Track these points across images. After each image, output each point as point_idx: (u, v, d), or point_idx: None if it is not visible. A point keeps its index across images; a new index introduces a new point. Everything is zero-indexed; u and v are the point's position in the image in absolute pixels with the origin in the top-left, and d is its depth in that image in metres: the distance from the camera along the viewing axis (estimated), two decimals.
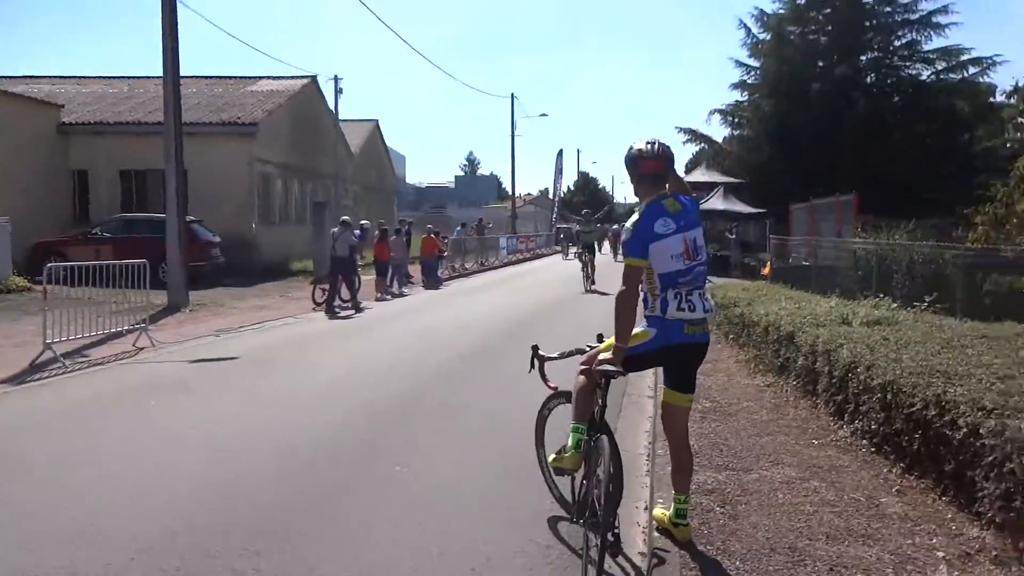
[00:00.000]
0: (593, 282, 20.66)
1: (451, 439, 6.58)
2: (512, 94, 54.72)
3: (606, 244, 41.49)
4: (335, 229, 16.88)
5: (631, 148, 4.30)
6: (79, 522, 4.57)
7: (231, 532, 4.46)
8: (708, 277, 4.55)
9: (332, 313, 15.68)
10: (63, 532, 4.43)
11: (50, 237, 21.56)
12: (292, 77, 32.09)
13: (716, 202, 31.71)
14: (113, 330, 11.68)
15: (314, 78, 32.90)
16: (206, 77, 31.78)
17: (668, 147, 4.27)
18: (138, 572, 3.95)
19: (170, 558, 4.11)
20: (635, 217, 4.25)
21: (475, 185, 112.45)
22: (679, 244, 4.16)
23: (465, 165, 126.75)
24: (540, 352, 4.73)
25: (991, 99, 33.30)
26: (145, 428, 6.72)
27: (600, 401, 4.16)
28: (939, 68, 34.38)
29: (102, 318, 11.52)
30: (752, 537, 4.36)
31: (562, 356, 4.66)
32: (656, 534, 4.46)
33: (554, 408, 4.89)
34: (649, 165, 4.24)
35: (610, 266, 24.95)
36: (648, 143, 4.25)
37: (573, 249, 33.57)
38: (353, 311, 16.16)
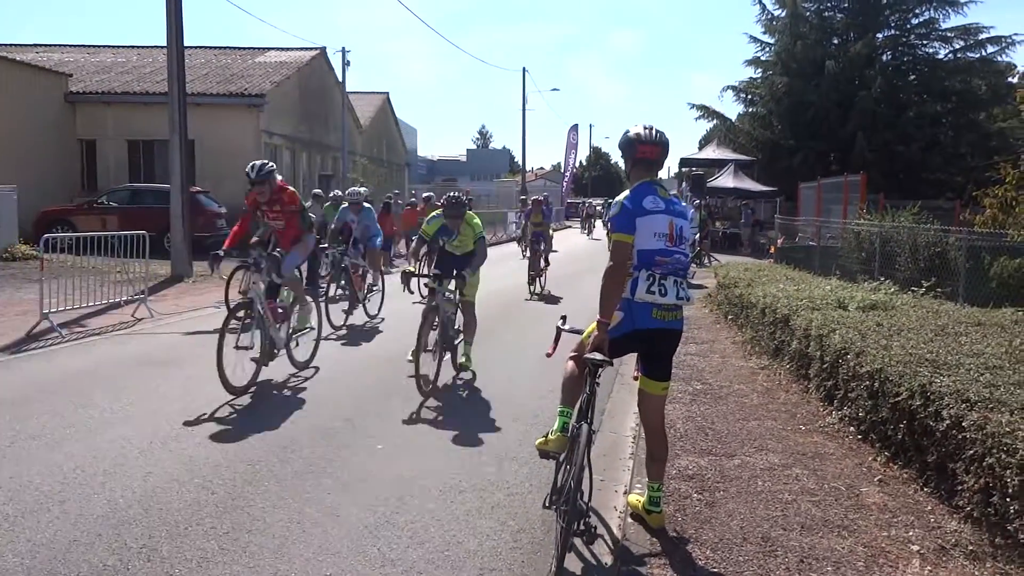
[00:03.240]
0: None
1: (435, 415, 6.56)
2: (524, 68, 54.31)
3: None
4: (307, 203, 16.32)
5: (627, 132, 4.33)
6: (50, 498, 4.56)
7: (203, 511, 4.43)
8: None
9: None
10: (31, 507, 4.41)
11: (57, 206, 21.62)
12: (301, 48, 31.93)
13: (727, 179, 31.43)
14: (113, 300, 11.70)
15: (323, 50, 32.69)
16: (214, 47, 31.67)
17: (664, 134, 4.29)
18: (103, 548, 3.92)
19: (138, 535, 4.09)
20: (625, 193, 4.25)
21: (487, 159, 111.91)
22: (664, 224, 4.13)
23: (477, 139, 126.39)
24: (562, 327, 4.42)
25: (1009, 79, 32.77)
26: (129, 402, 6.71)
27: (587, 389, 4.10)
28: (956, 47, 33.71)
29: (104, 288, 11.54)
30: (726, 526, 4.31)
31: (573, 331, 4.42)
32: (630, 520, 4.43)
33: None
34: (645, 150, 4.26)
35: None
36: (645, 128, 4.29)
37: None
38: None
